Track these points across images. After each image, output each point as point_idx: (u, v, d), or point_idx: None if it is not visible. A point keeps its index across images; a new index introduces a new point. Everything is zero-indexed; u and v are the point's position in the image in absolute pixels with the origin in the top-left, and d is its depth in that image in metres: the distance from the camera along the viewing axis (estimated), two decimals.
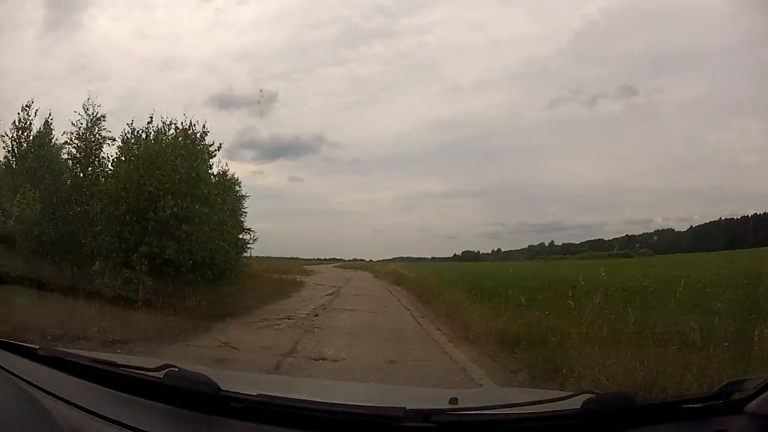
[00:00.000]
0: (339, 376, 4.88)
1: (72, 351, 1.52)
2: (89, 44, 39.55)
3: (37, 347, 1.49)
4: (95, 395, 1.26)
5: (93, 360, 1.41)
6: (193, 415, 1.17)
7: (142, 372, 1.30)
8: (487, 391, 3.20)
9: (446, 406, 1.20)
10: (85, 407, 1.19)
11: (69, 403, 1.21)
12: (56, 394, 1.25)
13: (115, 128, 11.17)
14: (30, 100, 10.08)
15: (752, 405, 1.10)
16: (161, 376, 1.24)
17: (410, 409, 1.09)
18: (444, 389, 4.05)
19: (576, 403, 1.10)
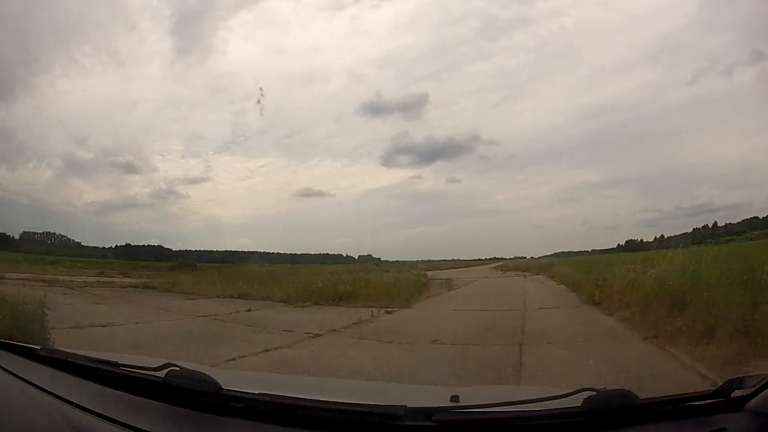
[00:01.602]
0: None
1: (72, 351, 1.50)
2: (225, 66, 40.16)
3: (37, 347, 1.48)
4: (96, 395, 1.25)
5: (94, 360, 1.40)
6: (195, 415, 1.16)
7: (143, 372, 1.30)
8: (487, 389, 3.14)
9: (447, 403, 1.20)
10: (87, 407, 1.18)
11: (70, 403, 1.20)
12: (57, 394, 1.24)
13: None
14: None
15: (752, 403, 1.09)
16: (162, 376, 1.23)
17: (411, 407, 1.08)
18: (445, 387, 4.02)
19: (577, 400, 1.10)
